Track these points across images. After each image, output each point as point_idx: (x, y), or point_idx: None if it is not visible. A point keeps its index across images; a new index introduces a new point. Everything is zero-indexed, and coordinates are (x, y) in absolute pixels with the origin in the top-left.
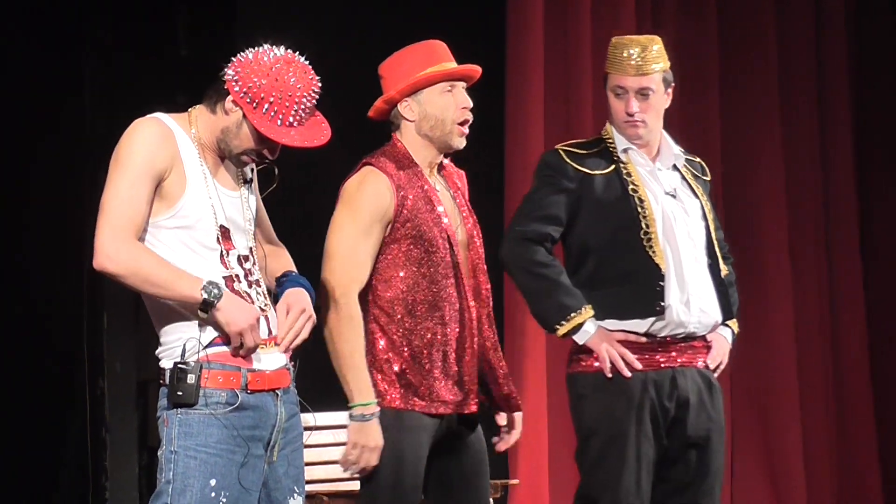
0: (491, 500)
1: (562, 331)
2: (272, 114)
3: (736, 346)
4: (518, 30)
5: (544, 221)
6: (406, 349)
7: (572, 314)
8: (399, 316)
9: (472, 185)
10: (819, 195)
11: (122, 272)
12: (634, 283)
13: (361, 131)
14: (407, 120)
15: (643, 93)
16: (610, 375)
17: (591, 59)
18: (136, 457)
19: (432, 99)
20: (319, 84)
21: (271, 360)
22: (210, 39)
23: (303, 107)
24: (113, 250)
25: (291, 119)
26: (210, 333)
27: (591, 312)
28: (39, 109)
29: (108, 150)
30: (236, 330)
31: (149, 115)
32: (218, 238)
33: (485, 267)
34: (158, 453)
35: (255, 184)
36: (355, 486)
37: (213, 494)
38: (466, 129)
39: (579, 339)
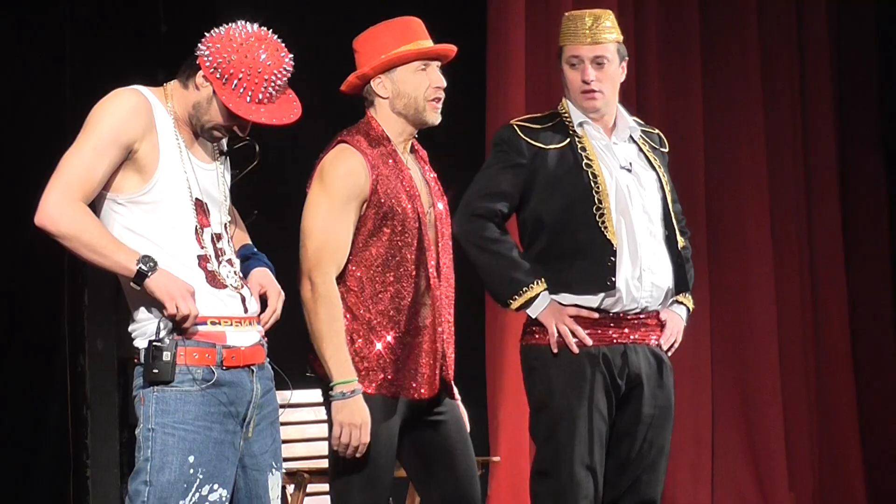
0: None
1: (514, 305)
2: (241, 90)
3: (717, 322)
4: (499, 8)
5: (494, 198)
6: (375, 331)
7: (524, 289)
8: (368, 295)
9: (453, 163)
10: (801, 176)
11: (63, 233)
12: (586, 259)
13: (339, 107)
14: (380, 97)
15: (598, 61)
16: (556, 351)
17: None
18: (117, 434)
19: (406, 77)
20: (291, 62)
21: (246, 337)
22: (190, 16)
23: (273, 84)
24: (57, 210)
25: (261, 96)
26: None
27: (544, 286)
28: (20, 85)
29: None
30: (169, 298)
31: (129, 87)
32: (194, 213)
33: (450, 248)
34: (136, 432)
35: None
36: None
37: (191, 471)
38: (439, 105)
39: (532, 312)
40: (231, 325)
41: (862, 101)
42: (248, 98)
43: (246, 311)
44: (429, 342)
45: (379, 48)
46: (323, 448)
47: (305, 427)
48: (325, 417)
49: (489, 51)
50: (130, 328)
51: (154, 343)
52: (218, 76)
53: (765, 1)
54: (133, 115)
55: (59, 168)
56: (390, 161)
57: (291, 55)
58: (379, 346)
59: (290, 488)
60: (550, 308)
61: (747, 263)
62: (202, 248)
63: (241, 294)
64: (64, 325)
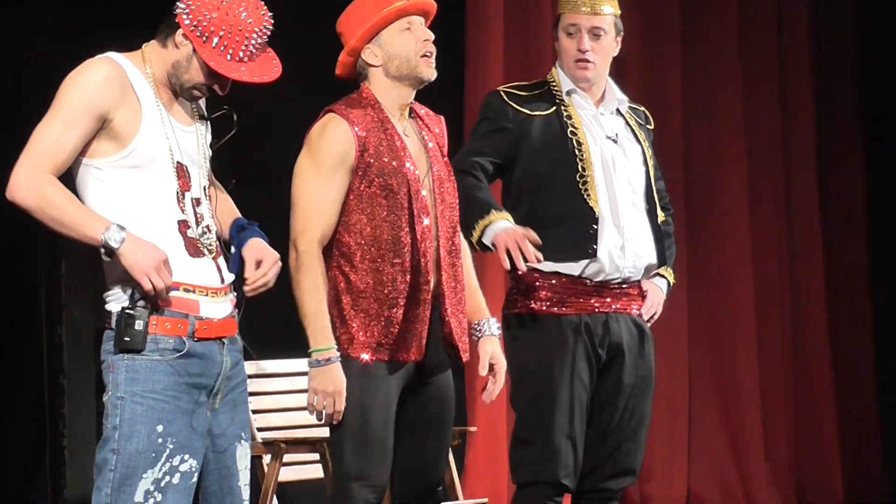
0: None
1: (474, 238)
2: (222, 48)
3: (694, 293)
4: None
5: (479, 155)
6: (368, 297)
7: (479, 221)
8: (359, 262)
9: None
10: (779, 147)
11: (31, 206)
12: (568, 226)
13: (318, 75)
14: (373, 66)
15: (595, 32)
16: (507, 267)
17: (550, 7)
18: (94, 404)
19: (393, 39)
20: (271, 19)
21: (219, 309)
22: None
23: (253, 42)
24: (24, 182)
25: (241, 54)
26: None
27: (500, 216)
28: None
29: None
30: (141, 273)
31: (101, 55)
32: (175, 177)
33: (455, 216)
34: (104, 398)
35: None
36: (312, 433)
37: (159, 440)
38: (432, 60)
39: (486, 238)
40: (206, 295)
41: (840, 75)
42: (229, 56)
43: (222, 281)
44: (424, 306)
45: (361, 20)
46: (300, 418)
47: (282, 397)
48: (303, 387)
49: (468, 22)
50: (106, 293)
51: (127, 310)
52: (198, 34)
53: None
54: (105, 84)
55: (29, 141)
56: (381, 126)
57: (272, 13)
58: (372, 310)
59: (267, 458)
60: (505, 230)
61: (725, 236)
62: (183, 213)
63: (216, 263)
64: (41, 295)
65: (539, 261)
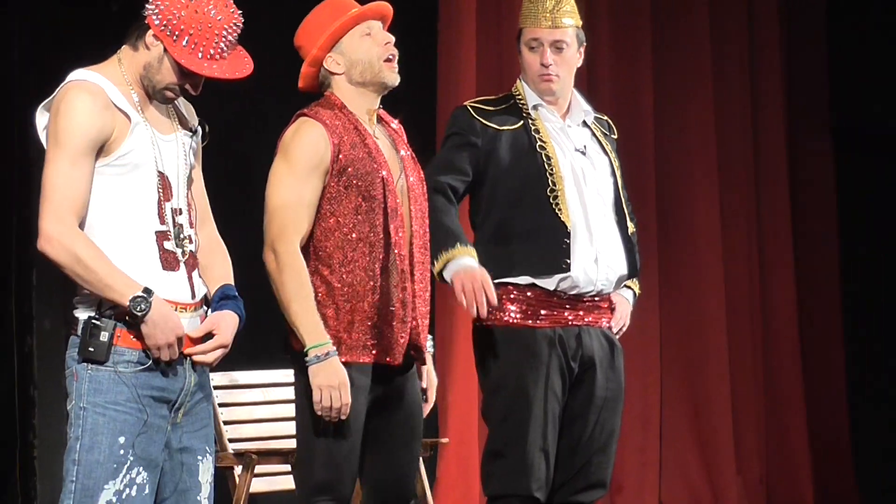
0: (421, 460)
1: (436, 269)
2: (192, 46)
3: (666, 306)
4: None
5: (447, 172)
6: (346, 299)
7: (443, 252)
8: (337, 265)
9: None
10: (750, 161)
11: (62, 262)
12: (540, 240)
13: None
14: (336, 74)
15: (557, 45)
16: (465, 308)
17: None
18: (65, 414)
19: (353, 45)
20: (241, 17)
21: (187, 324)
22: None
23: (224, 39)
24: (55, 237)
25: (212, 51)
26: None
27: (464, 250)
28: None
29: (36, 104)
30: (155, 345)
31: (78, 80)
32: (157, 186)
33: (426, 217)
34: (67, 407)
35: (198, 137)
36: (284, 444)
37: (121, 451)
38: (395, 64)
39: (447, 273)
40: (175, 310)
41: (811, 84)
42: (200, 54)
43: (193, 296)
44: (400, 308)
45: (319, 29)
46: (271, 429)
47: (254, 408)
48: (275, 398)
49: (440, 34)
50: (76, 299)
51: (93, 320)
52: (168, 33)
53: None
54: (98, 114)
55: (45, 190)
56: (353, 128)
57: (241, 11)
58: (351, 313)
59: (238, 469)
60: (464, 268)
61: (696, 247)
62: (163, 223)
63: (190, 276)
64: (12, 305)
65: (493, 304)
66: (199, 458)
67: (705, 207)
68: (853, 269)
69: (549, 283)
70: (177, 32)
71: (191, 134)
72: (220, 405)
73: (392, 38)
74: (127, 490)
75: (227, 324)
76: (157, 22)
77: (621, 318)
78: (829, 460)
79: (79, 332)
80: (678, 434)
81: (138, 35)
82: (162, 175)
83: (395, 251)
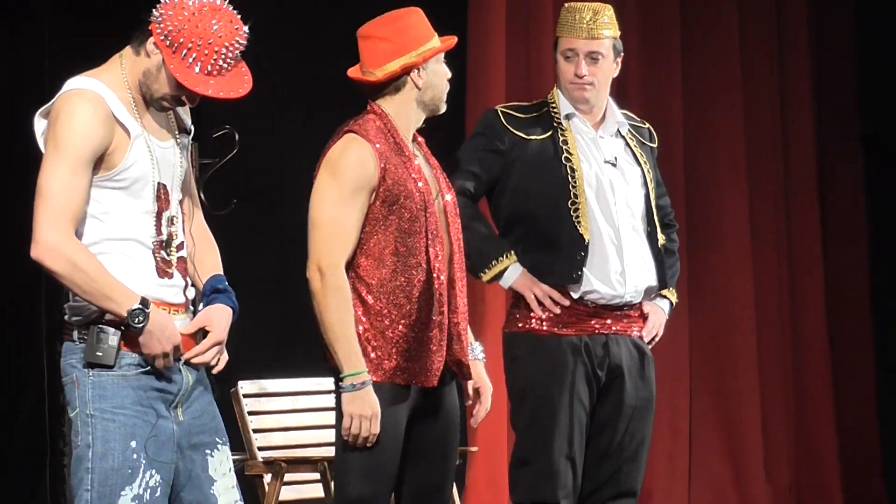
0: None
1: (486, 277)
2: (190, 60)
3: (696, 316)
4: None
5: (465, 176)
6: (384, 320)
7: (494, 261)
8: (376, 285)
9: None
10: (779, 168)
11: (59, 272)
12: (558, 252)
13: (315, 95)
14: (415, 87)
15: (593, 56)
16: (541, 313)
17: (552, 27)
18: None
19: (437, 69)
20: (245, 34)
21: (178, 326)
22: None
23: (223, 57)
24: (52, 246)
25: (210, 68)
26: None
27: (514, 259)
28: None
29: None
30: (150, 354)
31: (78, 88)
32: (155, 197)
33: (460, 236)
34: (71, 415)
35: (189, 139)
36: (313, 452)
37: (134, 456)
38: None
39: (504, 283)
40: (168, 312)
41: (840, 96)
42: (198, 69)
43: (186, 300)
44: (437, 331)
45: (415, 40)
46: (300, 437)
47: (283, 416)
48: (304, 407)
49: (470, 37)
50: (67, 305)
51: (101, 325)
52: (168, 44)
53: None
54: (99, 125)
55: (40, 194)
56: (398, 150)
57: (246, 27)
58: (388, 334)
59: (268, 478)
60: (523, 276)
61: (725, 255)
62: (160, 234)
63: (184, 280)
64: (42, 313)
65: (566, 304)
66: (208, 451)
67: (734, 216)
68: (883, 278)
69: (572, 291)
70: (176, 45)
71: (186, 134)
72: (250, 413)
73: (449, 74)
74: (146, 495)
75: (219, 318)
76: (158, 30)
77: (654, 328)
78: (858, 469)
79: (74, 338)
80: (707, 442)
81: (141, 40)
82: (161, 186)
83: (434, 275)
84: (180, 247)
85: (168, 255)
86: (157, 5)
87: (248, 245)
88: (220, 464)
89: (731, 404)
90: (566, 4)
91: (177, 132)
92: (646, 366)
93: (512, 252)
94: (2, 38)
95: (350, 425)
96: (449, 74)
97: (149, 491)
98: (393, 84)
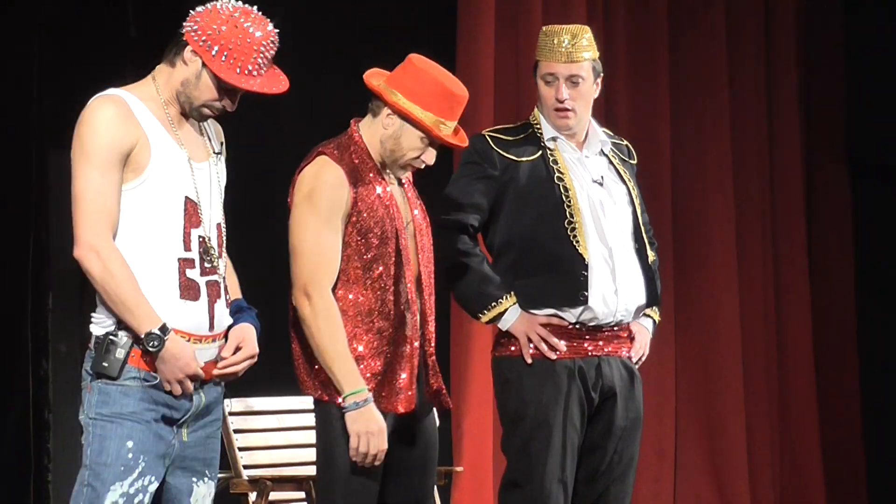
0: (436, 488)
1: (485, 319)
2: (231, 61)
3: (682, 336)
4: (469, 17)
5: (466, 209)
6: (358, 346)
7: (494, 303)
8: (351, 311)
9: (423, 172)
10: (766, 189)
11: (95, 275)
12: (559, 273)
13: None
14: (382, 128)
15: (573, 80)
16: (530, 362)
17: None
18: (79, 438)
19: (409, 135)
20: (277, 35)
21: (203, 354)
22: (160, 20)
23: (261, 56)
24: (96, 248)
25: (250, 67)
26: None
27: (514, 300)
28: None
29: (56, 130)
30: (165, 380)
31: (104, 94)
32: (183, 212)
33: (432, 259)
34: (80, 418)
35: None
36: (299, 471)
37: (129, 455)
38: (410, 171)
39: (502, 325)
40: (190, 341)
41: (828, 114)
42: (238, 69)
43: (212, 328)
44: (409, 356)
45: (419, 94)
46: (286, 456)
47: (269, 434)
48: (290, 425)
49: (458, 59)
50: (94, 314)
51: (111, 337)
52: (207, 48)
53: (733, 16)
54: (122, 124)
55: (76, 200)
56: (370, 175)
57: (277, 30)
58: (363, 360)
59: (253, 496)
60: (520, 319)
61: (712, 277)
62: (188, 250)
63: (212, 307)
64: (27, 328)
65: (562, 350)
66: (195, 480)
67: (721, 237)
68: (869, 300)
69: (569, 315)
70: (216, 47)
71: (219, 154)
72: (235, 431)
73: (431, 163)
74: (139, 496)
75: (250, 336)
76: (195, 37)
77: (641, 348)
78: (843, 491)
79: (91, 346)
80: (693, 464)
81: (176, 52)
82: (189, 201)
83: (408, 299)
84: (211, 270)
85: (198, 276)
86: (189, 16)
87: (234, 264)
88: (203, 497)
89: (717, 427)
90: (544, 28)
91: (212, 152)
92: (635, 386)
93: (512, 294)
94: None
95: (358, 444)
96: (426, 161)
97: (147, 496)
98: (374, 106)
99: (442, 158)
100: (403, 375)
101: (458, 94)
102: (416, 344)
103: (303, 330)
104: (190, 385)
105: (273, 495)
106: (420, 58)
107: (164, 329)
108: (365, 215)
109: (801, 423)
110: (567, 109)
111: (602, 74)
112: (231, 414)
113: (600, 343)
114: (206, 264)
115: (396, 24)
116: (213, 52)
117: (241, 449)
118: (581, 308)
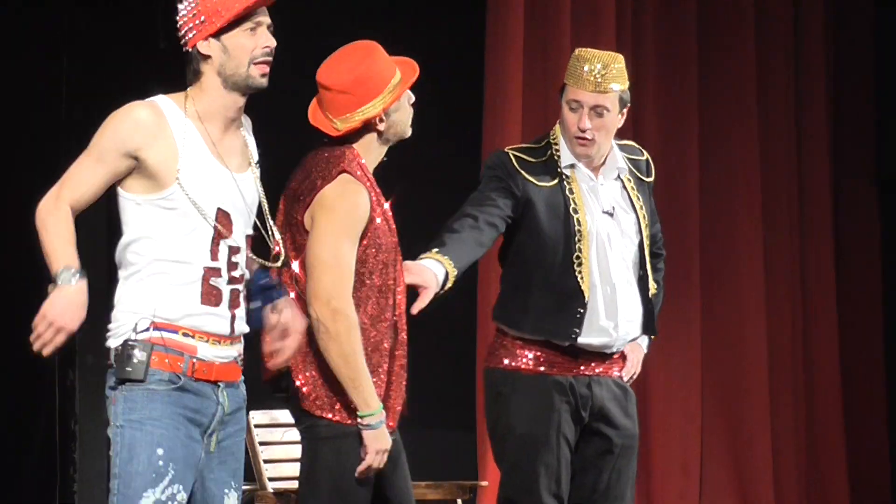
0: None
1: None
2: (218, 8)
3: (708, 353)
4: (496, 34)
5: (483, 205)
6: (369, 362)
7: (433, 249)
8: (366, 328)
9: (449, 183)
10: (794, 207)
11: (36, 225)
12: (557, 304)
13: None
14: (377, 131)
15: (598, 111)
16: (414, 312)
17: (570, 41)
18: (105, 449)
19: (398, 103)
20: None
21: (221, 353)
22: None
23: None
24: (41, 205)
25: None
26: (161, 315)
27: (448, 265)
28: (17, 99)
29: (84, 141)
30: (41, 317)
31: (147, 99)
32: (216, 222)
33: (404, 277)
34: (108, 432)
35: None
36: None
37: (160, 462)
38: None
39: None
40: (206, 341)
41: (856, 132)
42: (228, 5)
43: (232, 331)
44: (401, 374)
45: (375, 86)
46: None
47: (294, 447)
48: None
49: (487, 76)
50: (109, 326)
51: (130, 342)
52: (200, 24)
53: (762, 37)
54: (136, 126)
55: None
56: (377, 193)
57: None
58: (373, 378)
59: None
60: (428, 272)
61: (739, 295)
62: (215, 259)
63: (232, 313)
64: None
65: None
66: (225, 490)
67: (749, 255)
68: None
69: (562, 342)
70: (202, 17)
71: (257, 164)
72: (261, 444)
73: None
74: (167, 503)
75: (296, 313)
76: (192, 35)
77: (632, 367)
78: None
79: (112, 358)
80: (718, 481)
81: (192, 64)
82: (221, 212)
83: (399, 316)
84: (237, 280)
85: (223, 284)
86: (175, 31)
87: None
88: None
89: (742, 446)
90: (576, 51)
91: (251, 164)
92: (629, 404)
93: (445, 258)
94: (21, 71)
95: (373, 462)
96: (412, 99)
97: (169, 502)
98: (364, 130)
99: (466, 168)
100: (398, 391)
101: (368, 53)
102: (405, 361)
103: (320, 345)
104: (49, 336)
105: None
106: (324, 77)
107: (74, 272)
108: (374, 234)
109: (827, 440)
110: (588, 139)
111: (629, 104)
112: (256, 426)
113: (592, 364)
114: (233, 273)
115: (424, 39)
116: (203, 20)
117: (265, 461)
118: (570, 343)
